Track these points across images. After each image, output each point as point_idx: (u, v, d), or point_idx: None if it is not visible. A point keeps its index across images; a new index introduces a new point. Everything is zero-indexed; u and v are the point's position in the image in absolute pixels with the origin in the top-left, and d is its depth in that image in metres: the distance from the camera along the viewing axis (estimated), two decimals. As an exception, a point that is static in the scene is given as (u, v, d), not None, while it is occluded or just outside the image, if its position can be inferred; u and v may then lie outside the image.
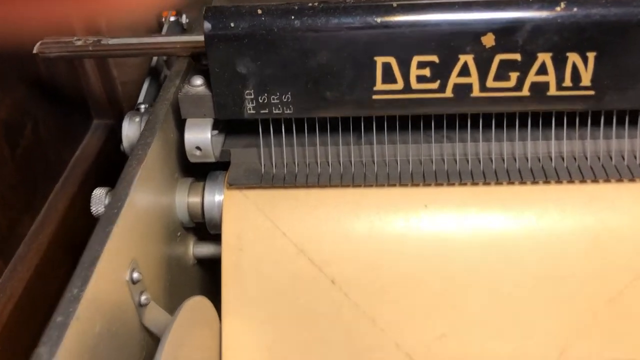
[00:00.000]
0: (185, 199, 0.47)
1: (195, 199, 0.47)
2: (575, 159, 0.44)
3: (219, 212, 0.47)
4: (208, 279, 0.52)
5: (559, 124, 0.44)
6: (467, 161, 0.45)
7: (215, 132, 0.46)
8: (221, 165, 0.47)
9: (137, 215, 0.39)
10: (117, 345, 0.35)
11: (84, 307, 0.31)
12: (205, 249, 0.51)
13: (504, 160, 0.45)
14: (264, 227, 0.45)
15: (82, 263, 0.33)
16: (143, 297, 0.38)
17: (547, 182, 0.44)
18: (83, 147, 0.67)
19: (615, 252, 0.43)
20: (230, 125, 0.48)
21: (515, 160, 0.45)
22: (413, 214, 0.44)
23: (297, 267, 0.44)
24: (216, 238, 0.47)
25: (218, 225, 0.46)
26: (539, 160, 0.45)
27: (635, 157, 0.44)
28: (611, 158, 0.44)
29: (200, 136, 0.44)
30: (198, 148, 0.44)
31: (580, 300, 0.43)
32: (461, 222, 0.44)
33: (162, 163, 0.44)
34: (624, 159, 0.44)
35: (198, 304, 0.39)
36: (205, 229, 0.52)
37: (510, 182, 0.44)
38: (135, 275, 0.37)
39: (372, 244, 0.44)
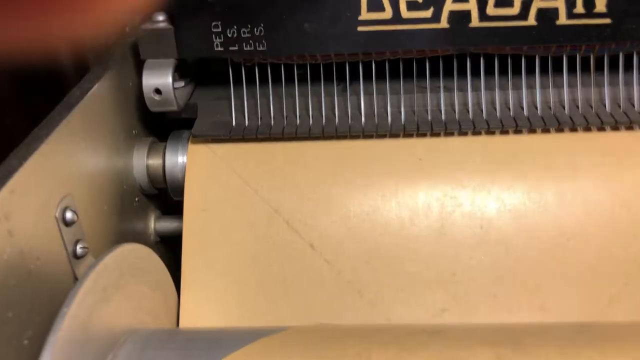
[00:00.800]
0: (143, 160, 0.41)
1: (155, 161, 0.41)
2: (591, 106, 0.39)
3: (182, 175, 0.40)
4: (174, 260, 0.45)
5: (572, 68, 0.39)
6: (468, 110, 0.39)
7: (181, 84, 0.40)
8: (187, 126, 0.42)
9: (72, 161, 0.32)
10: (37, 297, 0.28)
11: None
12: (169, 224, 0.44)
13: (509, 108, 0.39)
14: (233, 185, 0.39)
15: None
16: (79, 247, 0.31)
17: (559, 130, 0.38)
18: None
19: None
20: (198, 77, 0.43)
21: (522, 108, 0.39)
22: (405, 169, 0.38)
23: (271, 230, 0.38)
24: (182, 212, 0.41)
25: (182, 191, 0.40)
26: (550, 108, 0.39)
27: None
28: (633, 105, 0.39)
29: (160, 78, 0.38)
30: (157, 91, 0.38)
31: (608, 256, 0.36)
32: (461, 177, 0.38)
33: (114, 113, 0.38)
34: (647, 105, 0.38)
35: (137, 252, 0.31)
36: (170, 202, 0.46)
37: (518, 131, 0.38)
38: (69, 215, 0.30)
39: (357, 204, 0.38)
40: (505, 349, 0.26)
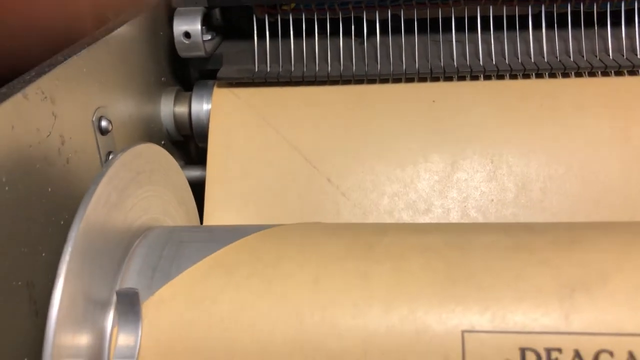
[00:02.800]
0: (170, 107, 0.43)
1: (182, 108, 0.44)
2: (595, 54, 0.41)
3: (207, 121, 0.43)
4: (198, 208, 0.47)
5: (576, 20, 0.41)
6: (479, 58, 0.41)
7: (209, 36, 0.43)
8: (212, 78, 0.44)
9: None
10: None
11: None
12: (193, 172, 0.46)
13: (517, 57, 0.41)
14: (255, 125, 0.41)
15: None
16: (111, 158, 0.33)
17: (565, 74, 0.40)
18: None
19: (648, 146, 0.38)
20: (224, 33, 0.45)
21: (530, 57, 0.41)
22: (419, 110, 0.40)
23: (291, 166, 0.40)
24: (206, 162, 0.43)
25: (207, 137, 0.42)
26: (557, 56, 0.41)
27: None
28: (636, 53, 0.41)
29: (189, 23, 0.41)
30: (187, 35, 0.41)
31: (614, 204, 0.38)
32: (472, 118, 0.40)
33: (145, 54, 0.41)
34: (649, 53, 0.40)
35: (154, 150, 0.31)
36: (194, 153, 0.48)
37: (525, 76, 0.40)
38: (104, 123, 0.33)
39: (372, 142, 0.40)
40: (513, 228, 0.28)
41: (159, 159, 0.31)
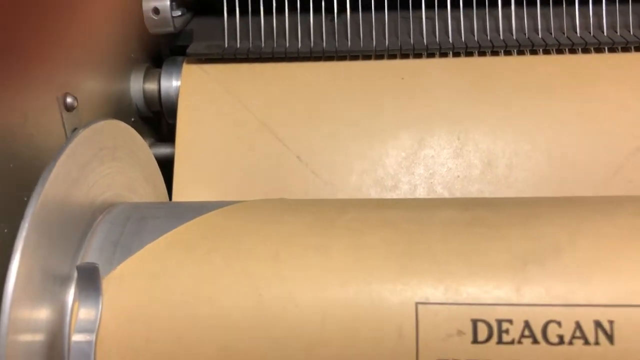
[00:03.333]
0: (140, 83, 0.43)
1: (151, 84, 0.43)
2: (563, 32, 0.41)
3: (177, 98, 0.42)
4: (168, 185, 0.47)
5: (545, 2, 0.41)
6: (448, 35, 0.41)
7: (179, 12, 0.42)
8: (182, 54, 0.44)
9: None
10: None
11: None
12: (164, 149, 0.46)
13: (486, 34, 0.41)
14: (224, 102, 0.41)
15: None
16: (77, 135, 0.33)
17: (533, 51, 0.40)
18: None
19: (612, 122, 0.39)
20: (195, 10, 0.45)
21: (498, 34, 0.41)
22: (389, 87, 0.40)
23: (260, 143, 0.40)
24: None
25: (176, 113, 0.42)
26: (525, 33, 0.41)
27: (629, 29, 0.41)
28: (603, 31, 0.41)
29: (158, -1, 0.41)
30: (155, 11, 0.41)
31: (580, 178, 0.38)
32: (441, 94, 0.40)
33: (114, 30, 0.40)
34: (616, 31, 0.41)
35: (118, 127, 0.31)
36: (164, 131, 0.48)
37: (494, 53, 0.41)
38: (69, 99, 0.32)
39: (342, 119, 0.40)
40: (472, 203, 0.28)
41: (122, 135, 0.31)
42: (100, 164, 0.29)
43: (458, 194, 0.38)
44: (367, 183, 0.39)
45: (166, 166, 0.42)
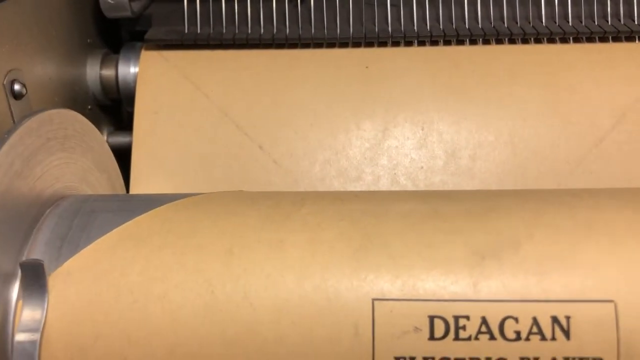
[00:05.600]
0: (97, 70, 0.42)
1: (109, 71, 0.42)
2: (529, 21, 0.41)
3: (135, 84, 0.41)
4: (126, 174, 0.46)
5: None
6: (413, 23, 0.41)
7: (137, -3, 0.41)
8: (141, 40, 0.43)
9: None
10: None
11: None
12: (122, 138, 0.44)
13: (452, 22, 0.41)
14: (184, 90, 0.39)
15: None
16: (26, 124, 0.32)
17: (499, 41, 0.40)
18: None
19: (576, 114, 0.38)
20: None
21: (464, 22, 0.41)
22: (352, 76, 0.40)
23: (221, 132, 0.39)
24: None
25: (134, 100, 0.41)
26: (490, 22, 0.41)
27: (593, 20, 0.40)
28: (568, 20, 0.41)
29: (114, -19, 0.39)
30: (111, -6, 0.39)
31: (543, 168, 0.38)
32: (405, 83, 0.39)
33: (68, 14, 0.39)
34: (581, 21, 0.41)
35: (69, 116, 0.30)
36: (123, 119, 0.46)
37: (460, 42, 0.40)
38: (17, 87, 0.31)
39: (305, 108, 0.39)
40: (431, 196, 0.28)
41: (73, 124, 0.30)
42: (48, 155, 0.27)
43: (422, 185, 0.38)
44: (331, 174, 0.38)
45: (127, 155, 0.41)
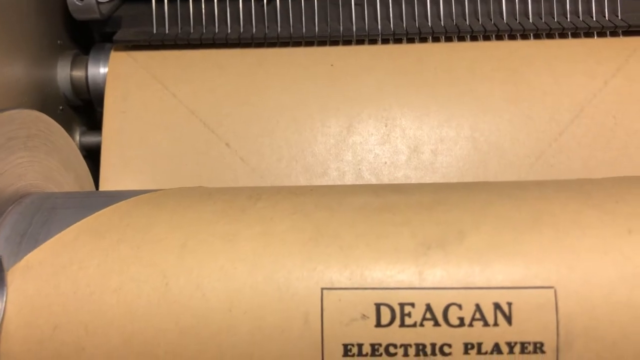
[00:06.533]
0: (67, 71, 0.42)
1: (79, 72, 0.43)
2: (490, 18, 0.42)
3: (104, 85, 0.42)
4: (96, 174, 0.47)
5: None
6: (377, 21, 0.42)
7: (106, -1, 0.42)
8: (111, 41, 0.43)
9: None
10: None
11: None
12: (94, 138, 0.45)
13: (415, 20, 0.42)
14: (152, 90, 0.40)
15: None
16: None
17: (460, 38, 0.41)
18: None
19: (536, 108, 0.39)
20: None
21: (427, 20, 0.42)
22: (318, 74, 0.40)
23: (188, 131, 0.39)
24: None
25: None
26: (452, 19, 0.42)
27: (552, 16, 0.41)
28: (529, 17, 0.42)
29: (82, -17, 0.40)
30: (79, -4, 0.40)
31: (505, 163, 0.39)
32: (369, 81, 0.40)
33: (37, 18, 0.39)
34: (541, 17, 0.41)
35: (31, 116, 0.30)
36: (95, 119, 0.47)
37: (422, 39, 0.41)
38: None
39: (271, 106, 0.40)
40: (383, 189, 0.29)
41: (37, 124, 0.31)
42: (9, 154, 0.28)
43: (385, 180, 0.39)
44: (297, 170, 0.39)
45: (100, 154, 0.42)
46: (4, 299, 0.25)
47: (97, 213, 0.27)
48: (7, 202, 0.28)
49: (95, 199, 0.29)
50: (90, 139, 0.45)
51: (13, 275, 0.25)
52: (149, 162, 0.39)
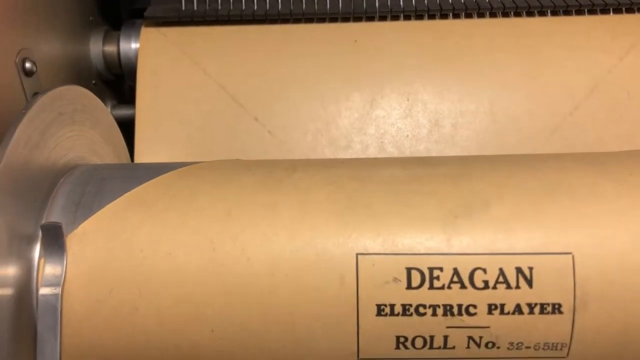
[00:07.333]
0: (99, 46, 0.44)
1: (111, 47, 0.44)
2: (509, -5, 0.43)
3: (136, 59, 0.43)
4: (130, 146, 0.48)
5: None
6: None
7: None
8: (140, 17, 0.45)
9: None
10: None
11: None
12: (125, 111, 0.47)
13: (436, -3, 0.43)
14: (182, 64, 0.42)
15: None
16: (37, 100, 0.34)
17: (480, 14, 0.42)
18: None
19: (552, 83, 0.41)
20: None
21: (448, -3, 0.43)
22: (342, 49, 0.42)
23: (218, 105, 0.41)
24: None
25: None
26: (473, -4, 0.43)
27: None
28: (546, -6, 0.43)
29: (114, -39, 0.41)
30: (112, -26, 0.41)
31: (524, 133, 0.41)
32: (392, 56, 0.42)
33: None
34: (558, -6, 0.43)
35: (77, 92, 0.32)
36: (126, 93, 0.49)
37: (443, 16, 0.42)
38: (28, 65, 0.33)
39: (298, 80, 0.41)
40: (411, 162, 0.30)
41: (82, 100, 0.32)
42: (60, 128, 0.30)
43: (407, 153, 0.40)
44: (322, 143, 0.41)
45: (130, 127, 0.44)
46: (65, 263, 0.27)
47: (144, 184, 0.29)
48: (59, 174, 0.30)
49: (141, 171, 0.30)
50: (121, 112, 0.47)
51: (71, 242, 0.27)
52: (181, 135, 0.41)
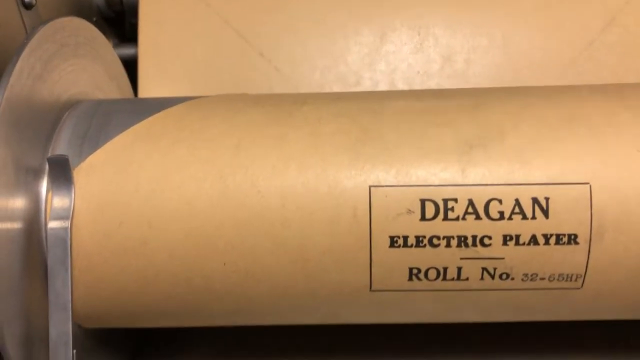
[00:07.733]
0: (100, -19, 0.43)
1: (112, -18, 0.43)
2: None
3: (138, -4, 0.42)
4: (133, 85, 0.47)
5: None
6: None
7: None
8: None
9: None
10: None
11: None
12: (127, 50, 0.46)
13: None
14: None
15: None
16: (38, 33, 0.33)
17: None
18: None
19: (567, 17, 0.40)
20: None
21: None
22: (350, -17, 0.40)
23: (222, 39, 0.40)
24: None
25: (137, 12, 0.42)
26: None
27: None
28: None
29: None
30: None
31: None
32: (402, -11, 0.40)
33: None
34: None
35: (79, 24, 0.31)
36: (127, 31, 0.47)
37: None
38: (26, -4, 0.32)
39: (304, 14, 0.40)
40: (424, 94, 0.30)
41: (84, 32, 0.31)
42: (63, 61, 0.29)
43: (418, 89, 0.39)
44: (330, 79, 0.40)
45: (131, 66, 0.43)
46: (73, 195, 0.26)
47: (151, 117, 0.28)
48: (64, 108, 0.29)
49: (147, 104, 0.30)
50: (122, 51, 0.45)
51: (78, 175, 0.27)
52: (185, 71, 0.40)
